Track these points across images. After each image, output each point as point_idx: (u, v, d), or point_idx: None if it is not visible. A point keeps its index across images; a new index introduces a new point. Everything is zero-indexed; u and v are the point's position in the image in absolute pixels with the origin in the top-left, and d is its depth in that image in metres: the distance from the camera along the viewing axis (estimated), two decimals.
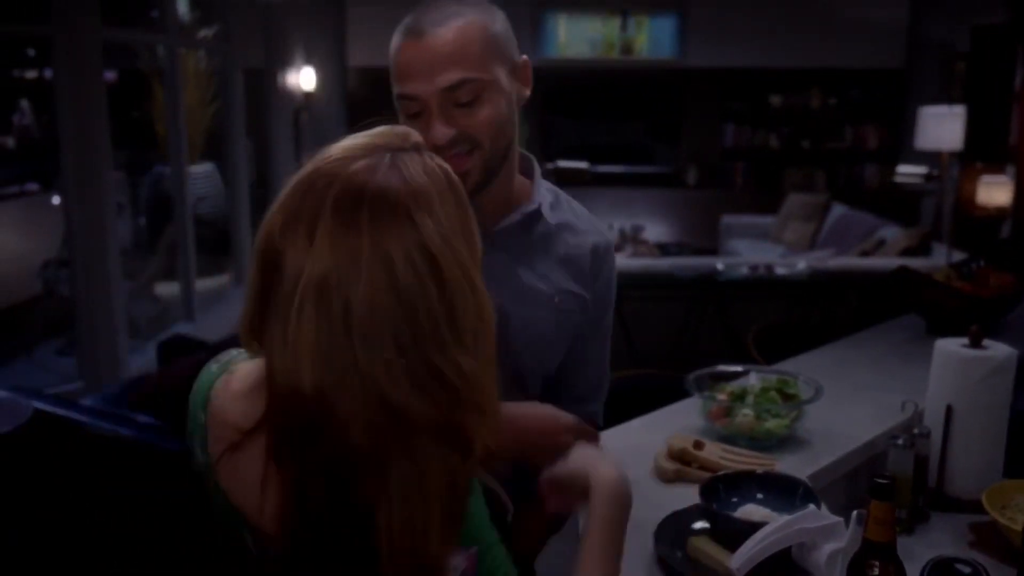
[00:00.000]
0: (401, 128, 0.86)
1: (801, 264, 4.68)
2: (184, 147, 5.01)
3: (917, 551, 1.39)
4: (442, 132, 1.14)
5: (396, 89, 1.16)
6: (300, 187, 0.79)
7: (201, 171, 5.85)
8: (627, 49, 8.09)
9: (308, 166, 0.81)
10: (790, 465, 1.56)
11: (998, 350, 1.56)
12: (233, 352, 0.91)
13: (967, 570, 1.23)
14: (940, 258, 4.65)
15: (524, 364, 1.27)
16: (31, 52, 7.19)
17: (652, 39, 8.05)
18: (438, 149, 1.10)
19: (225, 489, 0.86)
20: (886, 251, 5.19)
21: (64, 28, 3.91)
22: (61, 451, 1.07)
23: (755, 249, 6.67)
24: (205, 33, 5.97)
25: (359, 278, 0.75)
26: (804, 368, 1.95)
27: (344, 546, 0.78)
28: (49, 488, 1.11)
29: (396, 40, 1.16)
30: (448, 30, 1.14)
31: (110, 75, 5.96)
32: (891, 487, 0.97)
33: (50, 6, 3.91)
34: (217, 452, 0.85)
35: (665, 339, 4.33)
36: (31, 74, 7.59)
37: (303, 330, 0.75)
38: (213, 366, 0.92)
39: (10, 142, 7.16)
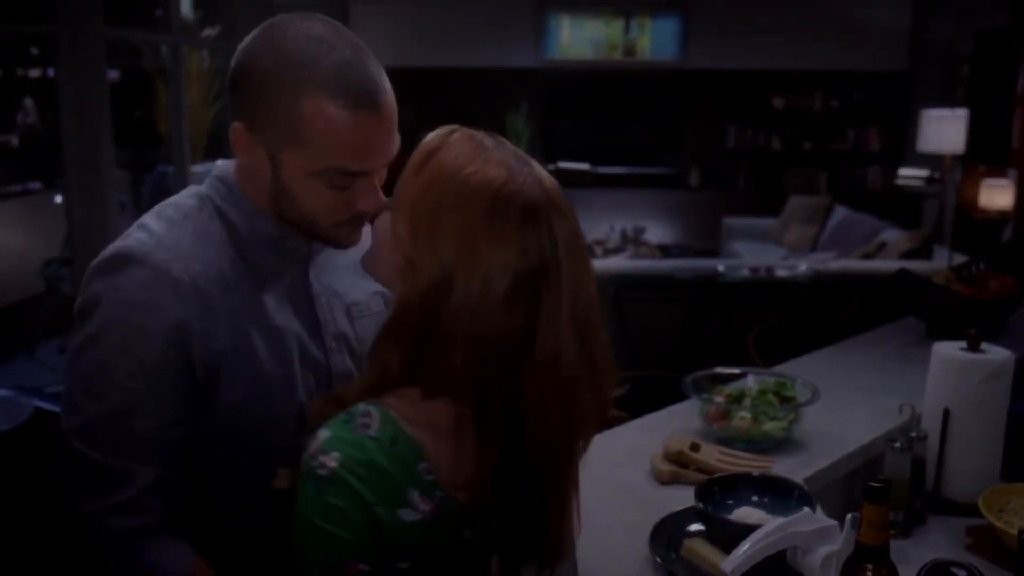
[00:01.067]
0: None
1: (802, 266, 4.68)
2: (187, 146, 5.02)
3: (914, 554, 1.40)
4: (378, 201, 1.08)
5: (341, 164, 1.03)
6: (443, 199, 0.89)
7: (203, 170, 5.86)
8: (630, 51, 8.08)
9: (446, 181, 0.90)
10: (787, 467, 1.56)
11: (996, 354, 1.56)
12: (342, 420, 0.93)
13: (963, 573, 1.23)
14: (941, 261, 4.65)
15: None
16: (35, 51, 7.20)
17: (655, 41, 8.04)
18: (361, 219, 1.11)
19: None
20: (887, 254, 5.18)
21: (68, 27, 3.92)
22: (60, 448, 1.08)
23: (757, 251, 6.66)
24: (208, 32, 5.98)
25: (574, 267, 0.91)
26: (803, 370, 1.95)
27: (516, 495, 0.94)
28: (48, 485, 1.12)
29: (342, 112, 1.00)
30: (389, 94, 1.06)
31: (114, 74, 5.98)
32: (885, 490, 0.97)
33: (54, 5, 3.93)
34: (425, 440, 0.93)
35: (666, 340, 4.33)
36: (35, 73, 7.60)
37: (460, 327, 0.88)
38: (342, 426, 0.92)
39: (14, 140, 7.17)
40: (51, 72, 6.35)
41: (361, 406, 0.92)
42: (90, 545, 1.05)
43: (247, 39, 1.07)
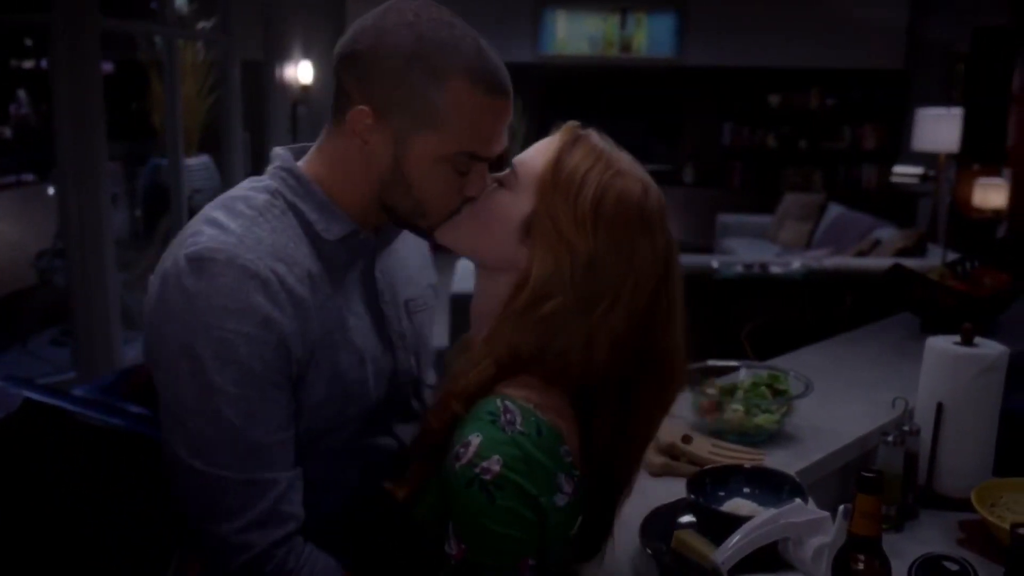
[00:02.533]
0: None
1: (796, 263, 4.68)
2: (180, 139, 5.00)
3: (906, 548, 1.39)
4: (485, 185, 1.07)
5: (474, 148, 1.02)
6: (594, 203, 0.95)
7: (198, 163, 5.85)
8: (626, 47, 8.08)
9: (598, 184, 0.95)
10: (780, 460, 1.55)
11: (989, 348, 1.56)
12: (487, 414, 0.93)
13: (955, 567, 1.23)
14: (935, 259, 4.65)
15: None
16: (29, 42, 7.17)
17: (651, 37, 8.05)
18: (468, 203, 1.08)
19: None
20: (882, 251, 5.18)
21: (62, 17, 3.90)
22: (50, 439, 1.07)
23: (751, 248, 6.67)
24: (204, 25, 5.96)
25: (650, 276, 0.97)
26: (797, 365, 1.94)
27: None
28: (38, 475, 1.11)
29: (484, 97, 1.00)
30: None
31: (108, 66, 5.95)
32: (877, 481, 0.97)
33: None
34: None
35: None
36: (28, 64, 7.57)
37: (610, 328, 0.93)
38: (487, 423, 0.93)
39: (7, 132, 7.14)
40: (45, 63, 6.33)
41: (496, 403, 0.92)
42: (235, 567, 1.00)
43: (367, 21, 1.03)
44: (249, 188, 1.08)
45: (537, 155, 1.00)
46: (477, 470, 0.88)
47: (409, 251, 1.24)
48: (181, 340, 0.98)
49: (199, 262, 0.98)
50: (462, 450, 0.89)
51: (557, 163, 0.97)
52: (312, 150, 1.11)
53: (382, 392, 1.14)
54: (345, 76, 1.04)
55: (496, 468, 0.88)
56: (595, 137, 1.00)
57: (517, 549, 0.90)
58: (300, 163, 1.10)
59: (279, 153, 1.11)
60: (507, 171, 1.01)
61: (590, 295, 0.93)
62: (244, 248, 0.99)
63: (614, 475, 1.01)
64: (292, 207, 1.06)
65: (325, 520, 1.08)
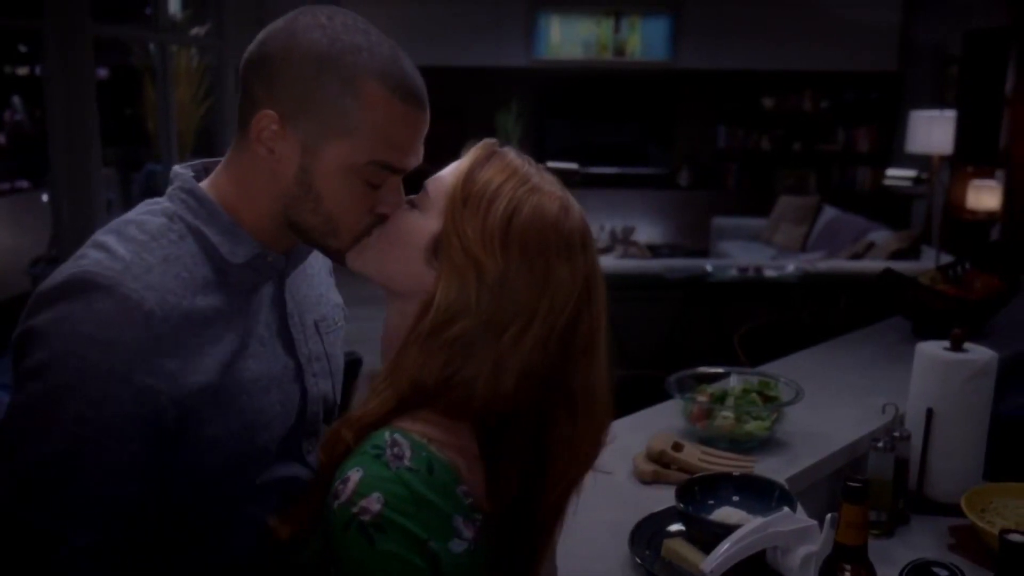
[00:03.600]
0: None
1: (790, 266, 4.69)
2: (175, 144, 5.00)
3: (897, 554, 1.40)
4: (399, 204, 1.00)
5: (386, 158, 0.96)
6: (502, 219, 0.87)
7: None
8: (620, 51, 8.09)
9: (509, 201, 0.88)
10: (770, 467, 1.55)
11: (979, 353, 1.56)
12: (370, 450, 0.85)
13: (944, 573, 1.23)
14: (929, 261, 4.66)
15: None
16: (23, 48, 7.16)
17: (645, 41, 8.05)
18: (380, 221, 1.01)
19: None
20: (876, 254, 5.20)
21: (54, 23, 3.90)
22: None
23: (746, 251, 6.68)
24: (198, 30, 5.96)
25: (567, 304, 0.87)
26: (789, 370, 1.95)
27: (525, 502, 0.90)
28: None
29: (399, 104, 0.95)
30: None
31: (102, 71, 5.94)
32: (863, 490, 0.97)
33: (43, 2, 3.90)
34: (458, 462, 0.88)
35: (655, 340, 4.33)
36: (23, 70, 7.55)
37: (519, 355, 0.85)
38: (373, 457, 0.84)
39: (1, 139, 7.13)
40: (39, 70, 6.32)
41: (384, 436, 0.83)
42: None
43: (277, 24, 0.97)
44: (145, 211, 1.00)
45: (449, 172, 0.93)
46: (355, 509, 0.79)
47: (318, 269, 1.18)
48: (36, 359, 0.89)
49: (77, 284, 0.90)
50: (340, 487, 0.81)
51: (468, 178, 0.89)
52: (218, 168, 1.04)
53: (292, 419, 1.06)
54: (253, 82, 0.97)
55: (376, 507, 0.79)
56: (512, 154, 0.92)
57: None
58: (204, 183, 1.03)
59: (179, 173, 1.03)
60: (420, 193, 0.94)
61: (499, 319, 0.85)
62: (129, 276, 0.91)
63: (534, 520, 0.90)
64: (194, 231, 0.99)
65: (238, 566, 1.03)
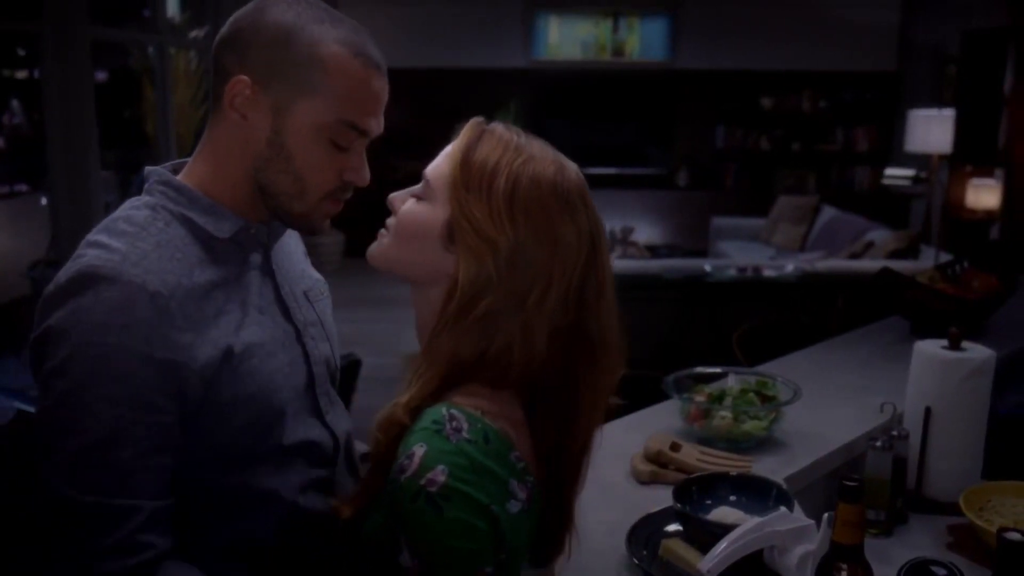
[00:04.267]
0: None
1: (789, 266, 4.69)
2: (174, 146, 5.01)
3: (895, 553, 1.40)
4: (366, 175, 1.10)
5: (352, 117, 1.04)
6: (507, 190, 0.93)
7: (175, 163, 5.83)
8: (619, 51, 8.10)
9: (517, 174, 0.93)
10: (768, 467, 1.55)
11: (977, 352, 1.56)
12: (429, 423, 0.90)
13: (942, 572, 1.23)
14: (928, 260, 4.66)
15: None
16: (22, 51, 7.16)
17: (644, 41, 8.06)
18: (343, 196, 1.10)
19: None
20: (874, 253, 5.19)
21: (52, 26, 3.90)
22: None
23: (745, 251, 6.67)
24: (196, 33, 5.96)
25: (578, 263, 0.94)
26: (787, 370, 1.95)
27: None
28: (31, 487, 1.10)
29: (360, 66, 1.04)
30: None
31: (101, 74, 5.95)
32: (859, 489, 0.97)
33: (40, 3, 3.90)
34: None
35: (653, 341, 4.33)
36: (22, 73, 7.56)
37: (544, 316, 0.92)
38: (432, 431, 0.90)
39: (0, 142, 7.13)
40: (38, 73, 6.33)
41: (441, 411, 0.90)
42: None
43: (244, 9, 1.07)
44: (128, 208, 1.07)
45: (444, 159, 0.98)
46: (422, 482, 0.85)
47: (294, 248, 1.24)
48: (57, 359, 0.95)
49: (82, 280, 0.96)
50: (406, 462, 0.87)
51: (464, 162, 0.95)
52: (190, 161, 1.12)
53: (301, 381, 1.12)
54: (225, 56, 1.05)
55: (442, 479, 0.85)
56: (500, 129, 0.98)
57: (472, 561, 0.87)
58: (179, 175, 1.10)
59: (154, 170, 1.10)
60: (421, 184, 0.99)
61: (520, 287, 0.92)
62: (129, 264, 0.97)
63: (565, 470, 0.99)
64: (178, 217, 1.06)
65: (260, 545, 1.06)
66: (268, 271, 1.14)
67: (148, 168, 1.11)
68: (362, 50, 1.04)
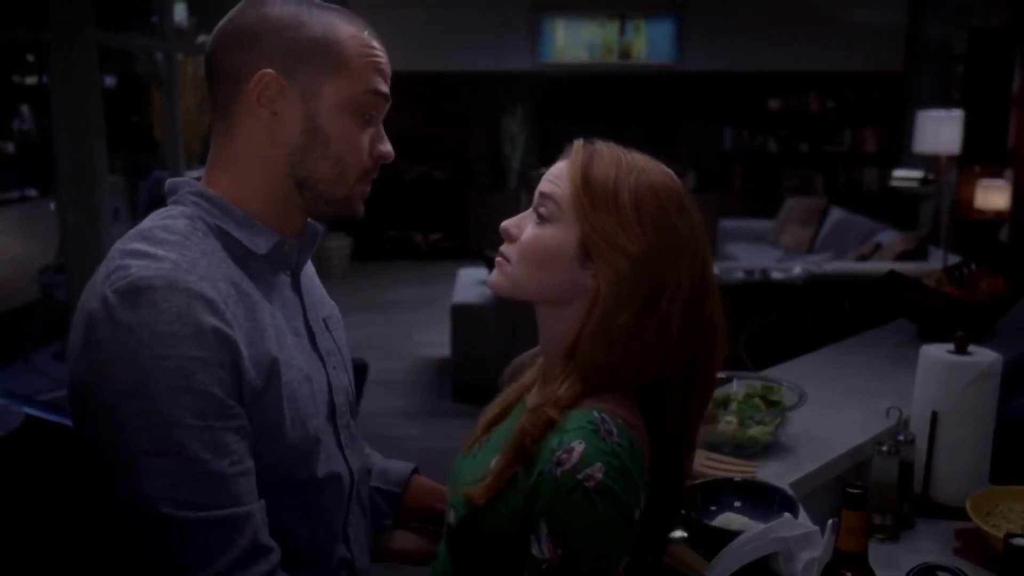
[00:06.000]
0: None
1: (797, 268, 4.67)
2: (181, 152, 5.03)
3: (902, 558, 1.39)
4: (390, 149, 1.10)
5: (375, 85, 1.05)
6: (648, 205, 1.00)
7: (198, 176, 5.85)
8: (625, 53, 8.10)
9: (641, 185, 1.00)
10: (774, 472, 1.55)
11: (983, 356, 1.55)
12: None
13: None
14: (937, 262, 4.64)
15: None
16: (31, 57, 7.20)
17: (650, 43, 8.06)
18: (376, 167, 1.10)
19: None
20: (882, 255, 5.18)
21: (59, 32, 3.92)
22: (51, 456, 1.06)
23: (753, 253, 6.66)
24: (203, 38, 5.98)
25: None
26: (793, 373, 1.94)
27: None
28: (38, 492, 1.11)
29: (365, 36, 1.05)
30: None
31: (109, 80, 5.98)
32: (862, 496, 0.97)
33: (46, 10, 3.93)
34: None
35: None
36: (31, 79, 7.60)
37: (676, 312, 0.99)
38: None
39: (10, 147, 7.17)
40: (46, 79, 6.36)
41: (593, 414, 0.95)
42: None
43: (237, 9, 1.05)
44: (163, 217, 1.02)
45: (563, 181, 1.03)
46: (580, 476, 0.90)
47: (312, 273, 1.22)
48: (127, 380, 0.89)
49: (134, 294, 0.90)
50: (565, 456, 0.92)
51: (586, 182, 1.00)
52: (206, 174, 1.08)
53: (325, 408, 1.10)
54: (233, 58, 1.02)
55: (599, 476, 0.90)
56: (604, 147, 1.04)
57: (613, 554, 0.93)
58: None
59: (183, 181, 1.07)
60: (542, 204, 1.04)
61: (654, 289, 0.98)
62: (182, 271, 0.93)
63: (680, 465, 1.07)
64: (214, 229, 1.02)
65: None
66: (297, 293, 1.12)
67: (173, 180, 1.07)
68: (360, 22, 1.07)
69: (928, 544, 1.48)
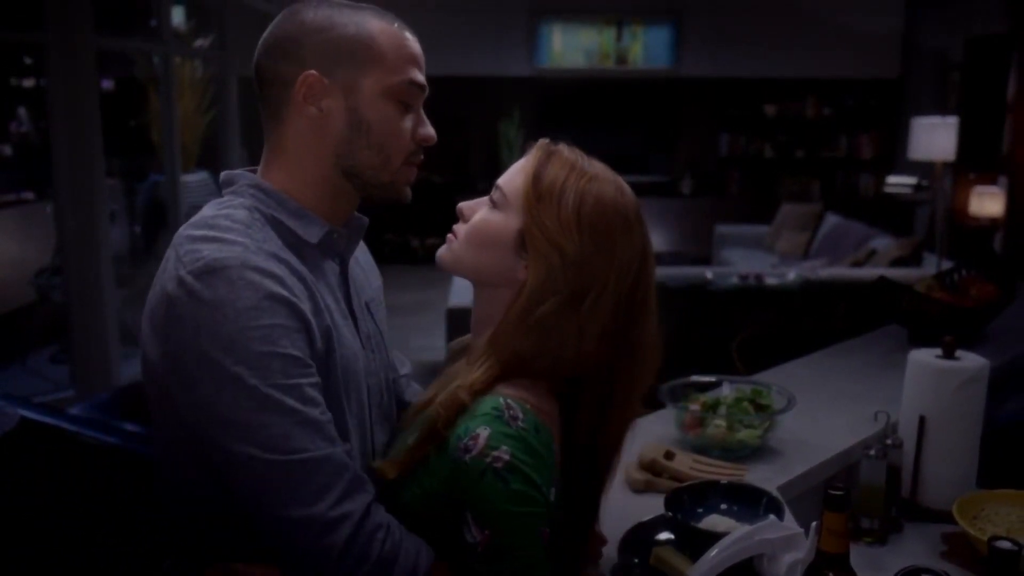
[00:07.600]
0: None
1: (791, 274, 4.69)
2: (178, 155, 5.03)
3: (889, 561, 1.40)
4: (432, 132, 1.17)
5: (412, 75, 1.13)
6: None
7: (196, 179, 5.86)
8: (622, 59, 8.11)
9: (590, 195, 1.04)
10: (762, 475, 1.56)
11: (971, 361, 1.56)
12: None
13: None
14: (931, 268, 4.66)
15: None
16: (29, 60, 7.21)
17: (647, 49, 8.08)
18: (419, 150, 1.16)
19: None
20: (877, 261, 5.19)
21: (57, 35, 3.93)
22: (47, 458, 1.07)
23: (749, 258, 6.67)
24: (201, 42, 5.99)
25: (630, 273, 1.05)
26: (783, 378, 1.95)
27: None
28: (34, 493, 1.11)
29: (396, 29, 1.13)
30: None
31: (107, 83, 5.98)
32: (844, 498, 0.97)
33: (44, 13, 3.94)
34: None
35: None
36: (29, 82, 7.61)
37: (597, 318, 1.02)
38: (494, 418, 0.99)
39: (7, 150, 7.17)
40: (44, 82, 6.36)
41: (499, 400, 0.99)
42: (340, 542, 0.98)
43: (275, 22, 1.13)
44: (224, 207, 1.09)
45: (517, 175, 1.08)
46: (488, 459, 0.95)
47: (360, 254, 1.28)
48: (217, 351, 0.97)
49: (210, 274, 0.98)
50: (471, 443, 0.96)
51: (536, 179, 1.05)
52: (261, 169, 1.16)
53: (366, 393, 1.16)
54: (277, 64, 1.11)
55: (506, 457, 0.95)
56: (566, 150, 1.09)
57: (534, 524, 0.97)
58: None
59: (240, 174, 1.14)
60: (495, 192, 1.09)
61: (579, 290, 1.02)
62: (251, 253, 1.01)
63: (596, 467, 1.09)
64: (270, 219, 1.09)
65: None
66: (344, 280, 1.18)
67: (228, 173, 1.15)
68: (391, 17, 1.14)
69: (915, 547, 1.49)
